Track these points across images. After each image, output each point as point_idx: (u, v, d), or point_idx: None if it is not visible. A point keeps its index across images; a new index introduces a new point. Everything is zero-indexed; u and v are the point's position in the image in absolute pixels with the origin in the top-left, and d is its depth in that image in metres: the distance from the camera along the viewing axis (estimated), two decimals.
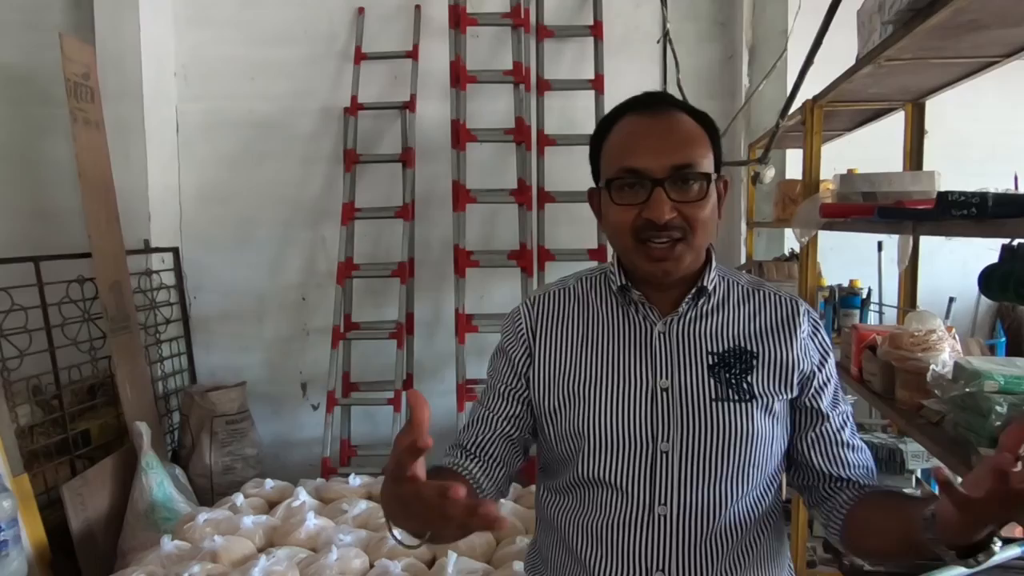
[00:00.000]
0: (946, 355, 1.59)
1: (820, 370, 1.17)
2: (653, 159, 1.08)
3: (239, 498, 3.01)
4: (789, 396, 1.15)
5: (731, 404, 1.10)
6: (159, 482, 3.09)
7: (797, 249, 3.22)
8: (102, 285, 3.26)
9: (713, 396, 1.11)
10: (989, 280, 1.43)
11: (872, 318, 2.64)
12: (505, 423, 1.19)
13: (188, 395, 3.75)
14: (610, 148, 1.14)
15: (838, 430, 1.17)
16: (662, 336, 1.15)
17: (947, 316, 3.24)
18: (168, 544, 2.57)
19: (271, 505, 3.05)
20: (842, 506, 1.14)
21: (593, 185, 1.20)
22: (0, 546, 2.26)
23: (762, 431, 1.11)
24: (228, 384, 3.83)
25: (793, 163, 3.67)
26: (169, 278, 4.03)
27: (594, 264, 3.04)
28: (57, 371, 3.12)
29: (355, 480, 3.17)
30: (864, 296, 2.51)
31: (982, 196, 1.21)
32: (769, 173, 3.28)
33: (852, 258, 3.17)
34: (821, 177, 2.40)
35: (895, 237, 2.31)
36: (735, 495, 1.11)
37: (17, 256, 3.05)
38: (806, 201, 2.27)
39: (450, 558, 2.42)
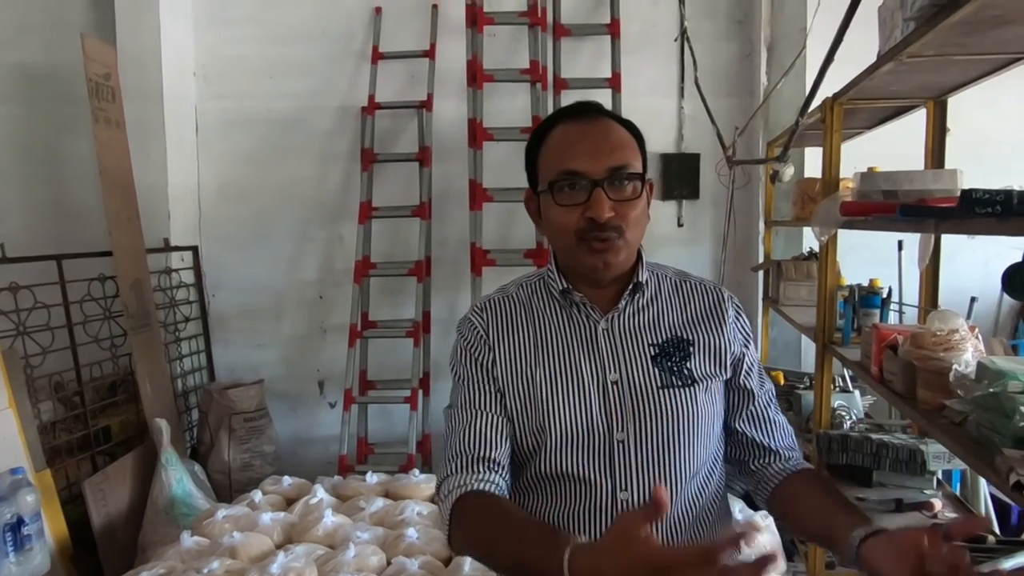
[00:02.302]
0: (969, 355, 1.57)
1: (746, 352, 1.28)
2: (591, 161, 1.16)
3: (257, 495, 3.03)
4: (725, 376, 1.26)
5: (675, 390, 1.20)
6: (178, 478, 3.12)
7: (816, 248, 3.20)
8: (123, 283, 3.29)
9: (659, 384, 1.20)
10: (1013, 279, 1.42)
11: (892, 318, 2.62)
12: (505, 432, 1.20)
13: (207, 392, 3.78)
14: (548, 154, 1.22)
15: (765, 407, 1.29)
16: (606, 333, 1.23)
17: (969, 316, 3.21)
18: (188, 540, 2.60)
19: (289, 502, 3.07)
20: (772, 478, 1.26)
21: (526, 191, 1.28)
22: (24, 540, 2.28)
23: (704, 411, 1.21)
24: (246, 382, 3.85)
25: (812, 161, 3.64)
26: (188, 276, 4.06)
27: None
28: (79, 368, 3.15)
29: (372, 478, 3.18)
30: (884, 296, 2.49)
31: (1007, 194, 1.20)
32: (788, 171, 3.25)
33: (871, 257, 3.14)
34: (841, 175, 2.39)
35: (916, 236, 2.29)
36: (688, 474, 1.20)
37: (40, 254, 3.09)
38: (826, 200, 2.26)
39: (466, 556, 2.42)
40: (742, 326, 1.29)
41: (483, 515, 1.11)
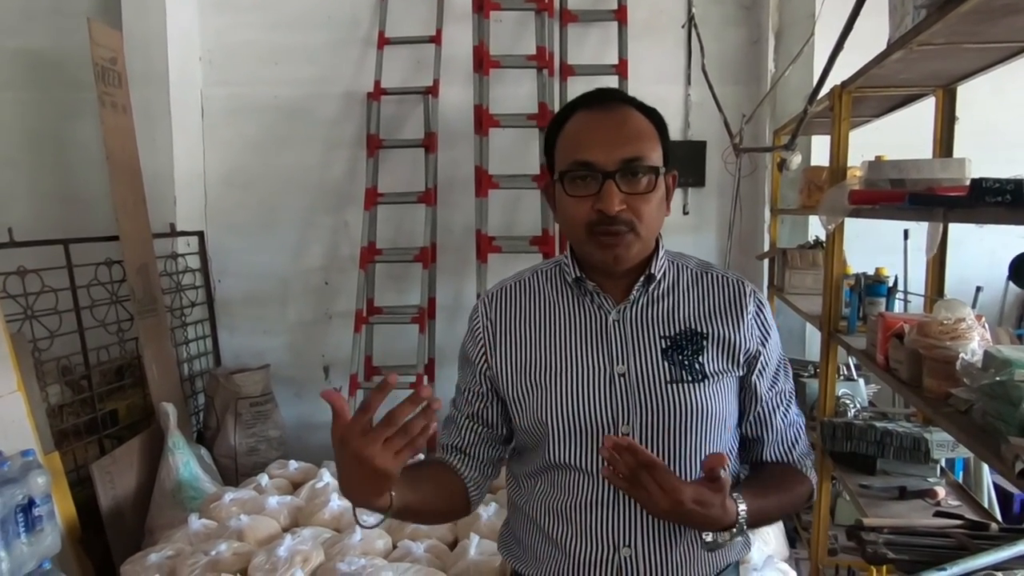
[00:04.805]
0: (975, 344, 1.57)
1: (763, 348, 1.24)
2: (604, 152, 1.13)
3: (264, 478, 3.05)
4: (739, 373, 1.22)
5: (685, 385, 1.17)
6: (185, 462, 3.14)
7: (822, 236, 3.20)
8: (129, 268, 3.31)
9: (668, 378, 1.17)
10: (1020, 268, 1.42)
11: (897, 307, 2.62)
12: (475, 424, 1.29)
13: (213, 377, 3.80)
14: (563, 142, 1.19)
15: (773, 411, 1.27)
16: (616, 324, 1.21)
17: (974, 305, 3.21)
18: (195, 522, 2.62)
19: (295, 486, 3.10)
20: (751, 464, 1.31)
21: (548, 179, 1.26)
22: (35, 521, 2.30)
23: (715, 408, 1.18)
24: (252, 367, 3.87)
25: (819, 150, 3.63)
26: (194, 261, 4.08)
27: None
28: (86, 352, 3.17)
29: None
30: (890, 284, 2.49)
31: (1017, 183, 1.20)
32: (796, 159, 3.25)
33: (877, 246, 3.13)
34: (848, 164, 2.38)
35: (922, 225, 2.29)
36: (695, 471, 1.17)
37: (47, 239, 3.10)
38: (833, 188, 2.25)
39: (472, 540, 2.45)
40: (762, 323, 1.23)
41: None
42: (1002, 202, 1.21)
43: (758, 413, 1.26)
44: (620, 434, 1.16)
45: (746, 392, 1.25)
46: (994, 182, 1.23)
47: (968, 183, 1.43)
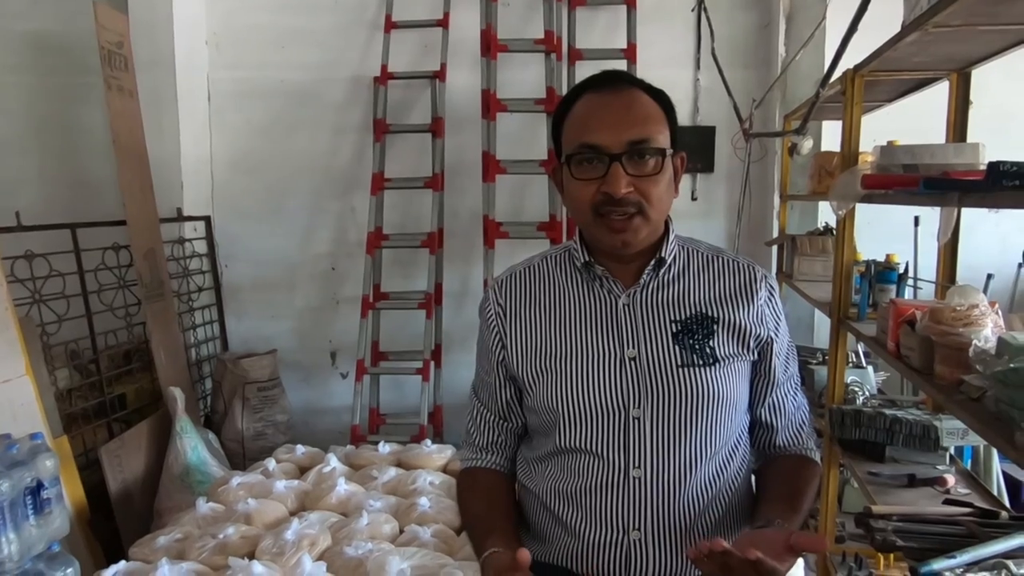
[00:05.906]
0: (989, 330, 1.55)
1: (776, 335, 1.24)
2: (610, 135, 1.13)
3: (271, 463, 3.05)
4: (750, 358, 1.23)
5: (696, 368, 1.17)
6: (193, 446, 3.15)
7: (832, 223, 3.17)
8: (137, 252, 3.30)
9: (679, 362, 1.18)
10: None
11: (907, 293, 2.60)
12: (499, 420, 1.31)
13: (221, 362, 3.80)
14: (570, 125, 1.19)
15: (785, 396, 1.29)
16: (627, 308, 1.21)
17: (985, 293, 3.18)
18: (203, 506, 2.63)
19: (302, 470, 3.10)
20: (766, 453, 1.32)
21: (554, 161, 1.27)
22: (44, 504, 2.31)
23: (726, 392, 1.19)
24: (259, 352, 3.88)
25: (829, 135, 3.60)
26: (201, 246, 4.07)
27: None
28: (94, 336, 3.17)
29: (384, 448, 3.20)
30: (901, 271, 2.47)
31: None
32: (807, 144, 3.22)
33: (887, 233, 3.11)
34: (860, 149, 2.36)
35: (934, 212, 2.27)
36: (705, 455, 1.18)
37: (54, 223, 3.10)
38: (845, 173, 2.23)
39: None
40: (773, 308, 1.25)
41: (468, 495, 1.31)
42: (1020, 186, 1.19)
43: (774, 399, 1.27)
44: (632, 418, 1.16)
45: (761, 378, 1.25)
46: (1012, 165, 1.21)
47: (982, 168, 1.40)
